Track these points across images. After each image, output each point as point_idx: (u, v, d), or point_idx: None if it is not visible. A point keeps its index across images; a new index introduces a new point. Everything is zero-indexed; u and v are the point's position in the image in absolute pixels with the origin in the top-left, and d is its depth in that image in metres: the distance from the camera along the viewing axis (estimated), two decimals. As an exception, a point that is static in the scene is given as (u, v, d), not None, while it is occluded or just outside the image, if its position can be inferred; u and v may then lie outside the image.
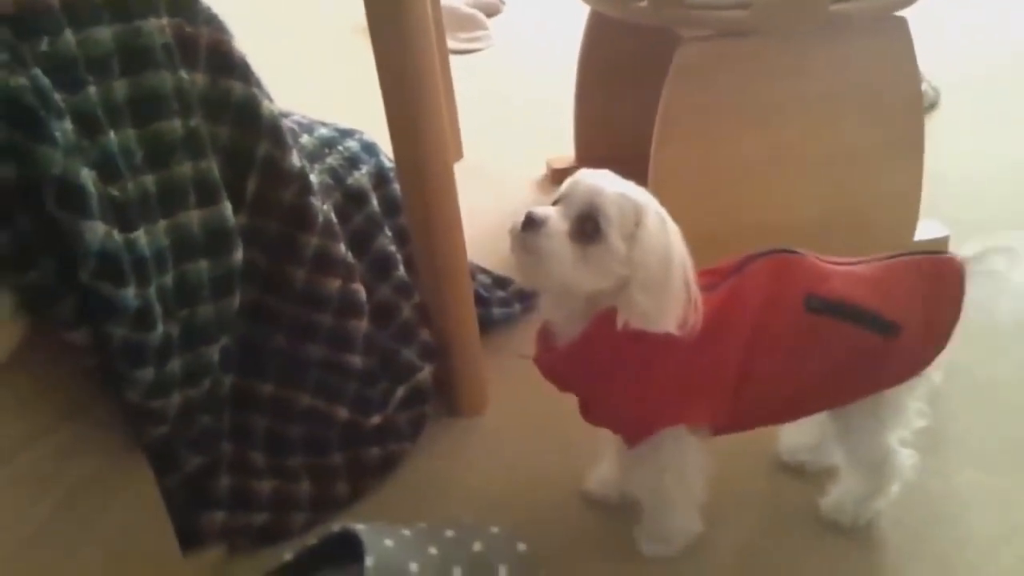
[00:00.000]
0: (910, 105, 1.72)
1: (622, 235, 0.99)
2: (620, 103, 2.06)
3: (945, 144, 2.01)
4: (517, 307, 1.70)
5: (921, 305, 1.07)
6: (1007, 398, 1.41)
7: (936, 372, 1.10)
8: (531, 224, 0.99)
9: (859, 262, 1.12)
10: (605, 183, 1.01)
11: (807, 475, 1.31)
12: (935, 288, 1.08)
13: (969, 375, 1.26)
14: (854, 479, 1.21)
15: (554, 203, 1.03)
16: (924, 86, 2.28)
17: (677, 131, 1.65)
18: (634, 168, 1.73)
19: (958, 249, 1.10)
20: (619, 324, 1.00)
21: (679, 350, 1.02)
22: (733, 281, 1.08)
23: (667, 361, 1.05)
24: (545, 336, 1.12)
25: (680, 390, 1.08)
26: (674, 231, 1.01)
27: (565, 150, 2.25)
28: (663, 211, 1.02)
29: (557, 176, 2.24)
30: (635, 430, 1.11)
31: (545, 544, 1.19)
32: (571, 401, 1.47)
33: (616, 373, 1.07)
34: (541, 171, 2.29)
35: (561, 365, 1.11)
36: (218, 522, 1.22)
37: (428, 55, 1.23)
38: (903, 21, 1.63)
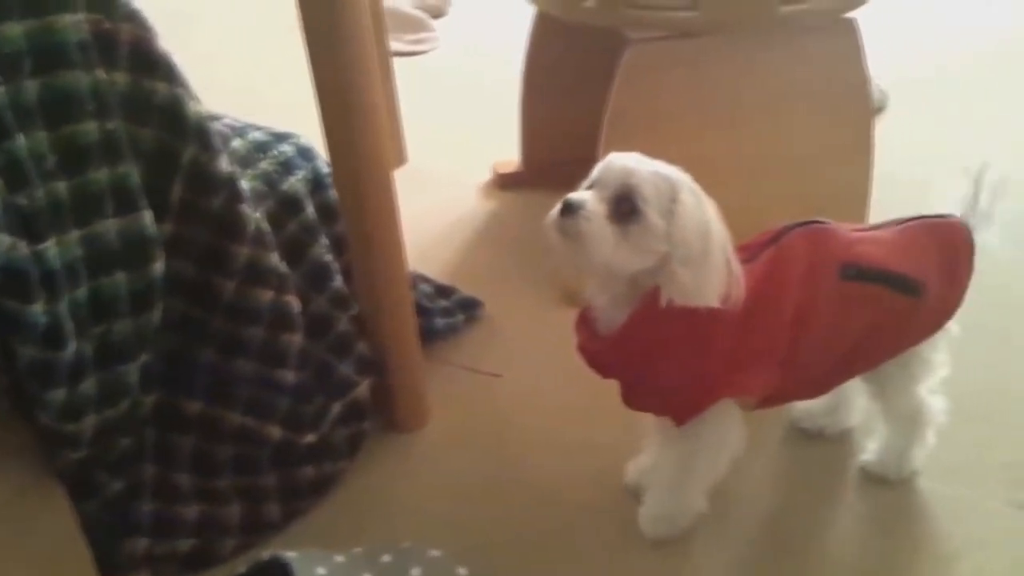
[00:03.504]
0: (860, 106, 1.73)
1: (659, 213, 1.00)
2: (566, 106, 2.02)
3: (893, 146, 2.01)
4: (460, 317, 1.65)
5: (937, 264, 1.13)
6: (964, 408, 1.39)
7: (954, 325, 1.17)
8: (569, 209, 1.00)
9: (876, 228, 1.17)
10: (637, 163, 1.02)
11: (826, 439, 1.38)
12: (946, 252, 1.14)
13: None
14: (893, 434, 1.27)
15: (587, 187, 1.04)
16: (872, 88, 2.27)
17: (624, 133, 1.62)
18: (581, 172, 1.70)
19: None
20: (662, 302, 1.02)
21: (727, 323, 1.04)
22: (771, 253, 1.10)
23: (716, 336, 1.06)
24: (586, 323, 1.13)
25: (730, 363, 1.09)
26: (710, 206, 1.03)
27: (511, 154, 2.20)
28: (697, 187, 1.03)
29: (502, 181, 2.19)
30: (686, 408, 1.11)
31: (488, 566, 1.15)
32: (516, 415, 1.45)
33: (666, 354, 1.08)
34: (486, 176, 2.24)
35: (608, 353, 1.11)
36: (141, 549, 1.16)
37: (365, 56, 1.17)
38: (852, 23, 1.63)
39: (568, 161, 1.88)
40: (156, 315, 1.06)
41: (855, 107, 1.71)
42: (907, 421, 1.25)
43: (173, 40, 1.11)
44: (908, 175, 2.00)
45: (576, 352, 1.13)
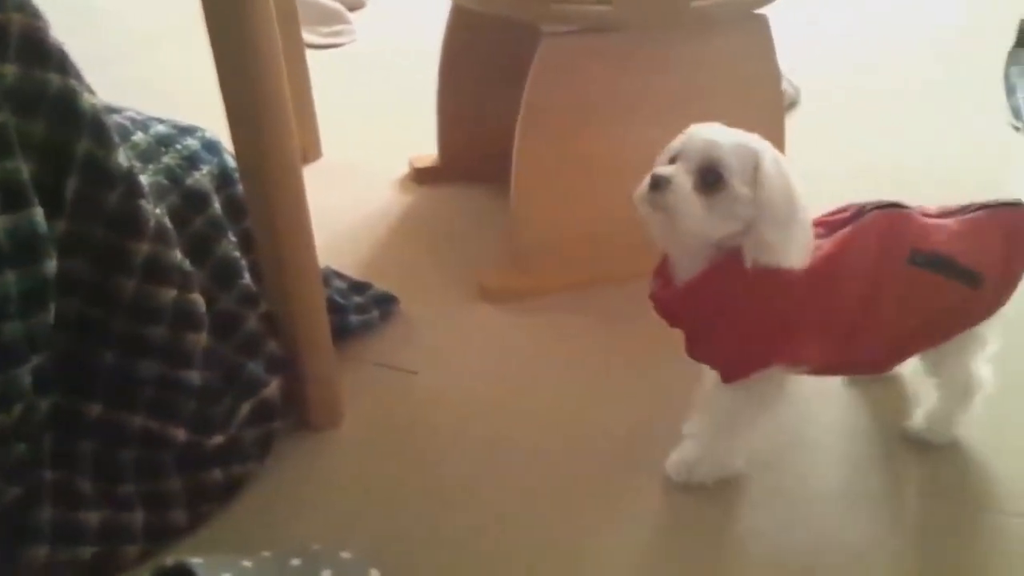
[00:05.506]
0: (771, 102, 1.75)
1: (743, 181, 1.06)
2: (483, 99, 2.01)
3: (805, 142, 2.03)
4: (375, 314, 1.62)
5: (1000, 254, 1.18)
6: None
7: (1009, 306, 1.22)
8: (658, 184, 1.06)
9: (948, 214, 1.21)
10: (719, 134, 1.09)
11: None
12: (1011, 238, 1.19)
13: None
14: (944, 402, 1.32)
15: (669, 161, 1.10)
16: (785, 84, 2.30)
17: (540, 128, 1.62)
18: (497, 165, 1.69)
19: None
20: (748, 263, 1.08)
21: (792, 291, 1.10)
22: (848, 231, 1.15)
23: (779, 301, 1.12)
24: (663, 274, 1.19)
25: (789, 330, 1.14)
26: (792, 171, 1.09)
27: (428, 148, 2.18)
28: (779, 153, 1.09)
29: (419, 175, 2.17)
30: (734, 369, 1.17)
31: (401, 567, 1.13)
32: (432, 413, 1.43)
33: (728, 310, 1.14)
34: (403, 170, 2.22)
35: (677, 302, 1.18)
36: (41, 557, 1.11)
37: (270, 48, 1.14)
38: (764, 19, 1.65)
39: (486, 154, 1.88)
40: (49, 315, 1.02)
41: (766, 102, 1.74)
42: (959, 391, 1.30)
43: (73, 33, 1.08)
44: (820, 172, 2.03)
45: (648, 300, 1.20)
